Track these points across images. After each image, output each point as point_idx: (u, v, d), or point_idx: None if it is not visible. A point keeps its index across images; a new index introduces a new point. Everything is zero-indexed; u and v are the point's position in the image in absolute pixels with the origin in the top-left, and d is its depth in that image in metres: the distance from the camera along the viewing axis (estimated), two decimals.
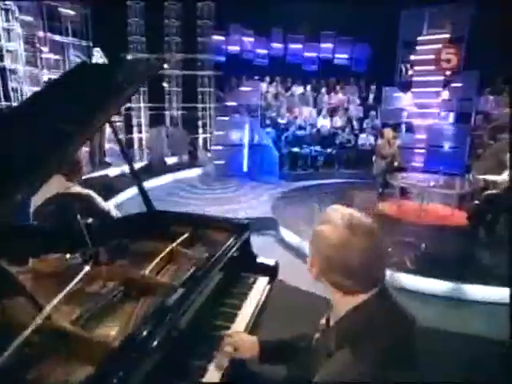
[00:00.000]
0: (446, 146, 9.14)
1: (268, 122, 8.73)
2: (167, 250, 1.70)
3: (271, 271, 1.98)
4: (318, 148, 8.34)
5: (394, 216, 5.44)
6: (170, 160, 8.15)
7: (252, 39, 10.82)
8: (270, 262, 2.03)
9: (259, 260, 2.05)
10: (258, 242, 4.89)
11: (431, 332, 2.85)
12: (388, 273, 3.70)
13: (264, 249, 4.66)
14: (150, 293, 1.44)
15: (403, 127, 8.97)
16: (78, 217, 1.64)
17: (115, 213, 2.30)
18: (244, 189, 6.82)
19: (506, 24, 8.93)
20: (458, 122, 9.04)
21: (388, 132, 6.60)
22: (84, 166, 2.47)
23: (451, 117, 9.35)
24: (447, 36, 9.47)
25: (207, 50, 9.69)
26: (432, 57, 9.62)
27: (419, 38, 9.75)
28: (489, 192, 4.63)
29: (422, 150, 8.67)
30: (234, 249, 1.84)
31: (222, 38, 10.30)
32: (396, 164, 6.53)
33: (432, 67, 9.63)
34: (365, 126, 8.96)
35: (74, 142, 1.47)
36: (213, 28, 9.80)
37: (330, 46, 11.31)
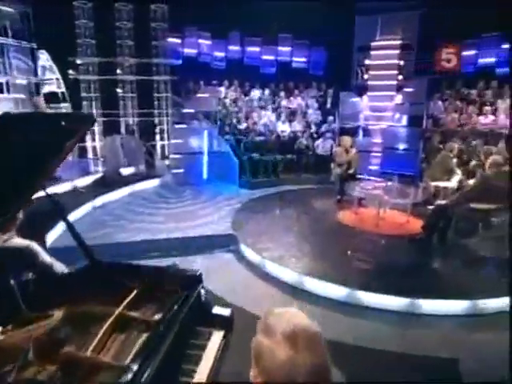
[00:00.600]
0: (401, 147, 9.53)
1: (227, 128, 8.65)
2: (113, 316, 1.62)
3: (227, 323, 1.94)
4: (278, 154, 8.38)
5: (353, 226, 5.58)
6: (126, 171, 7.86)
7: (209, 42, 10.66)
8: (226, 312, 1.99)
9: (214, 311, 2.00)
10: (219, 260, 4.93)
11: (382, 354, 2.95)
12: (345, 289, 3.80)
13: (225, 268, 4.70)
14: (94, 377, 1.36)
15: (360, 131, 9.19)
16: (12, 282, 1.53)
17: (58, 265, 2.16)
18: (203, 200, 6.71)
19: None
20: (411, 125, 9.39)
21: (346, 140, 6.75)
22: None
23: (404, 119, 9.71)
24: (399, 42, 9.83)
25: (162, 53, 9.42)
26: (385, 62, 9.98)
27: (373, 44, 10.04)
28: (439, 202, 4.84)
29: (379, 154, 8.94)
30: (188, 304, 1.79)
31: (178, 41, 10.07)
32: (352, 171, 6.68)
33: (386, 72, 10.00)
34: (323, 130, 9.09)
35: None
36: (168, 31, 9.54)
37: (287, 49, 11.36)
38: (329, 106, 10.00)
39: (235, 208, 6.26)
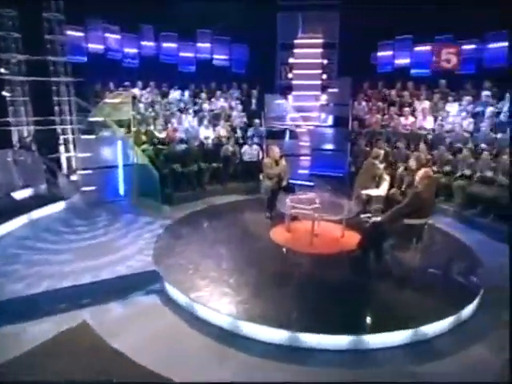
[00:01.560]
0: (328, 147, 9.58)
1: (143, 137, 7.85)
2: None
3: None
4: (202, 163, 7.82)
5: (286, 246, 5.30)
6: (21, 194, 6.67)
7: (118, 36, 9.63)
8: None
9: None
10: (139, 306, 4.25)
11: None
12: (284, 332, 3.49)
13: (147, 316, 4.06)
14: None
15: (287, 134, 9.01)
16: None
17: None
18: (120, 226, 5.94)
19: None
20: (337, 125, 9.48)
21: (274, 151, 6.44)
22: None
23: (330, 120, 9.77)
24: (321, 41, 9.81)
25: (60, 50, 8.25)
26: (309, 60, 9.91)
27: (296, 41, 9.90)
28: (374, 219, 4.75)
29: (307, 157, 8.86)
30: None
31: (80, 35, 8.92)
32: (284, 183, 6.42)
33: (310, 71, 9.93)
34: (249, 134, 8.73)
35: None
36: (65, 23, 8.37)
37: (207, 45, 10.76)
38: (254, 107, 9.65)
39: (157, 233, 5.62)
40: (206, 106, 9.22)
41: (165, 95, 9.55)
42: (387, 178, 6.52)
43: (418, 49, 9.81)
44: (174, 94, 9.58)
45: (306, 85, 9.91)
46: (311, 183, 8.54)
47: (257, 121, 8.86)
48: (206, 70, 10.48)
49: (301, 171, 8.78)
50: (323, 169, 9.14)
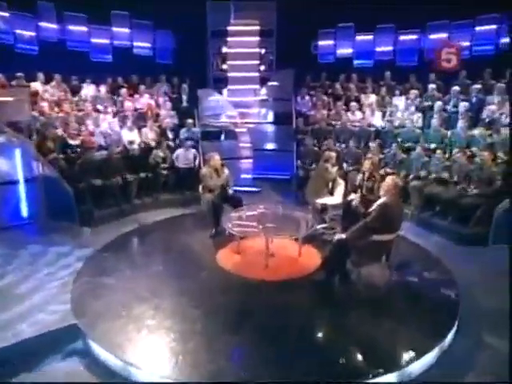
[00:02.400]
0: (272, 147, 9.22)
1: (50, 144, 6.78)
2: None
3: None
4: (128, 173, 6.98)
5: (236, 272, 4.77)
6: None
7: (5, 14, 8.33)
8: None
9: None
10: (57, 375, 3.42)
11: None
12: None
13: None
14: None
15: (225, 134, 8.47)
16: None
17: None
18: (24, 262, 4.93)
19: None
20: (279, 123, 9.17)
21: (215, 159, 5.87)
22: None
23: (270, 116, 9.43)
24: (257, 28, 9.38)
25: None
26: (245, 50, 9.44)
27: (229, 28, 9.36)
28: (338, 237, 4.41)
29: (249, 160, 8.41)
30: None
31: None
32: (227, 196, 5.89)
33: (246, 62, 9.47)
34: (182, 137, 8.05)
35: None
36: None
37: (125, 30, 9.83)
38: (185, 104, 8.95)
39: (76, 269, 4.77)
40: (128, 103, 8.32)
41: (75, 91, 8.46)
42: (342, 182, 6.28)
43: (359, 38, 9.85)
44: (87, 90, 8.52)
45: (243, 77, 9.47)
46: (256, 189, 8.15)
47: (190, 120, 8.18)
48: (125, 61, 9.56)
49: (243, 175, 8.34)
50: (267, 171, 8.79)
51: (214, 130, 8.30)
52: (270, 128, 9.37)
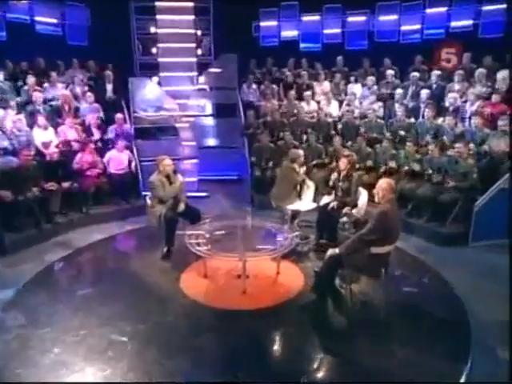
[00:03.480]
0: (216, 144, 8.67)
1: None
2: None
3: None
4: (46, 183, 5.99)
5: (208, 303, 4.21)
6: None
7: None
8: None
9: None
10: None
11: None
12: None
13: None
14: None
15: (164, 131, 7.76)
16: None
17: None
18: None
19: None
20: (223, 116, 8.68)
21: (166, 163, 5.21)
22: None
23: (211, 108, 8.89)
24: (191, 4, 8.70)
25: None
26: (178, 30, 8.71)
27: (157, 4, 8.55)
28: (330, 252, 4.07)
29: (194, 160, 7.80)
30: None
31: None
32: (182, 208, 5.28)
33: (180, 44, 8.74)
34: (111, 136, 7.19)
35: None
36: None
37: (22, 1, 8.58)
38: (111, 95, 8.03)
39: None
40: (37, 94, 7.19)
41: None
42: (311, 184, 5.99)
43: (305, 19, 9.64)
44: None
45: (177, 63, 8.74)
46: (204, 194, 7.57)
47: (119, 115, 7.33)
48: (27, 41, 8.32)
49: (187, 179, 7.68)
50: (213, 173, 8.25)
51: (150, 126, 7.54)
52: (212, 122, 8.82)
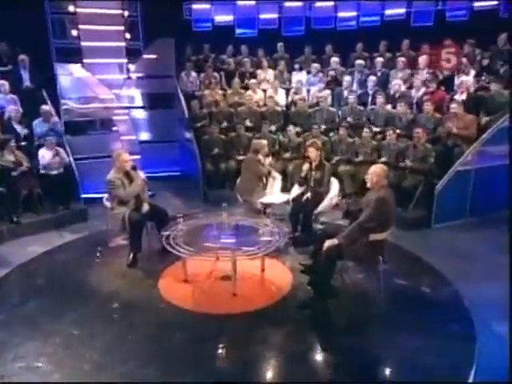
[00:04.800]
0: (143, 137, 8.32)
1: None
2: None
3: None
4: None
5: (191, 308, 3.99)
6: None
7: None
8: None
9: None
10: None
11: None
12: None
13: None
14: None
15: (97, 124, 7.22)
16: None
17: None
18: None
19: None
20: (160, 107, 8.36)
21: (123, 158, 4.84)
22: None
23: (142, 99, 8.53)
24: None
25: None
26: (103, 11, 8.09)
27: None
28: (328, 243, 4.07)
29: (136, 157, 7.34)
30: None
31: None
32: (146, 208, 4.93)
33: (106, 27, 8.14)
34: (38, 130, 6.51)
35: None
36: None
37: None
38: (28, 84, 7.24)
39: None
40: None
41: None
42: (278, 176, 5.99)
43: (240, 3, 9.60)
44: None
45: (103, 48, 8.15)
46: (150, 192, 7.20)
47: (45, 107, 6.65)
48: None
49: None
50: (156, 169, 7.92)
51: (82, 119, 6.95)
52: (146, 114, 8.46)
